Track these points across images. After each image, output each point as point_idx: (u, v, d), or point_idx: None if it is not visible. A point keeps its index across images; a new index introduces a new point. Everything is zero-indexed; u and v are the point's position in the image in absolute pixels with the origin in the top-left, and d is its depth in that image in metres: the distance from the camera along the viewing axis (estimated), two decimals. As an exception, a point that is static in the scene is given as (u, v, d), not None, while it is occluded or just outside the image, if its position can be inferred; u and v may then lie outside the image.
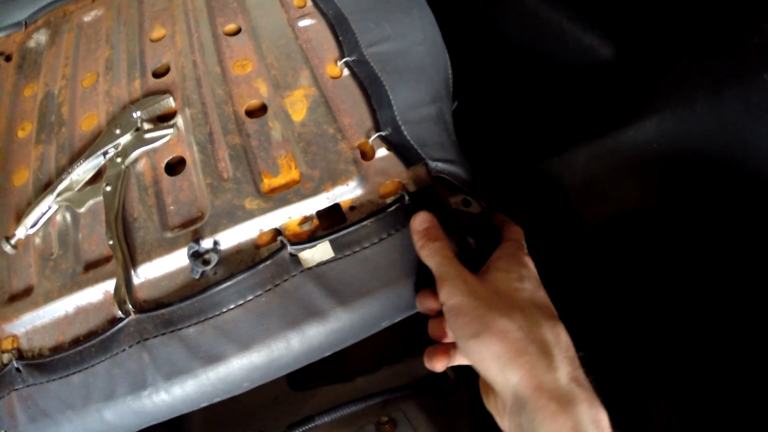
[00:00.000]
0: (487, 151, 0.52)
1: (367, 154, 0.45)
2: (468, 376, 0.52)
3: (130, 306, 0.40)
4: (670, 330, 0.40)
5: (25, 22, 0.61)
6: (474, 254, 0.41)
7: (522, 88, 0.53)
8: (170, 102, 0.47)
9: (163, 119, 0.48)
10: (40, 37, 0.58)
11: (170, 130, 0.46)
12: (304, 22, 0.52)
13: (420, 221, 0.40)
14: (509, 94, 0.54)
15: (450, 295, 0.35)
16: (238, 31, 0.52)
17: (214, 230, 0.41)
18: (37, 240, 0.46)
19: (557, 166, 0.47)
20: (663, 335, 0.40)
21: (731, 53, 0.35)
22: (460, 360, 0.40)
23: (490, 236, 0.42)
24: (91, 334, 0.42)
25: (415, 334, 0.56)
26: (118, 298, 0.41)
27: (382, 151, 0.45)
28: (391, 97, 0.47)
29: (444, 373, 0.53)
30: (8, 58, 0.59)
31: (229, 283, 0.39)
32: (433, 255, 0.38)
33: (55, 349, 0.42)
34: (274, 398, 0.52)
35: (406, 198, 0.42)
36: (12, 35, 0.62)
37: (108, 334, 0.40)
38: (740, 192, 0.36)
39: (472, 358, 0.34)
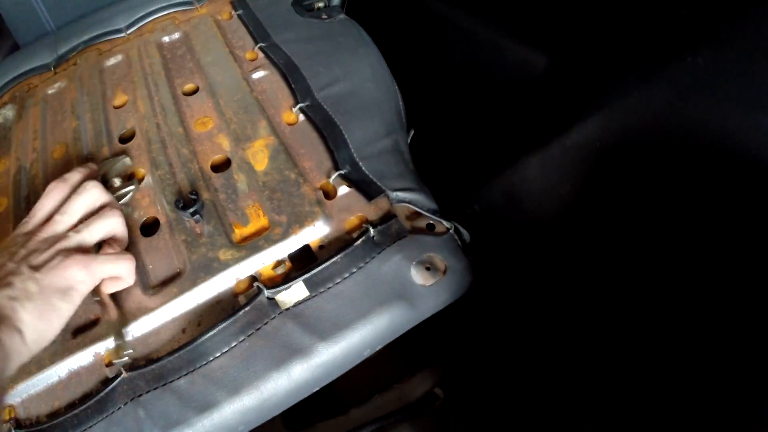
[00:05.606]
0: (447, 173, 0.55)
1: (330, 194, 0.48)
2: (459, 397, 0.55)
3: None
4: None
5: (-9, 99, 0.62)
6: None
7: (470, 108, 0.56)
8: (127, 161, 0.49)
9: (130, 179, 0.50)
10: (7, 113, 0.60)
11: (131, 187, 0.48)
12: (257, 74, 0.55)
13: None
14: (460, 116, 0.57)
15: None
16: (196, 91, 0.55)
17: (194, 284, 0.44)
18: (25, 312, 0.48)
19: (511, 178, 0.48)
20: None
21: (657, 35, 0.34)
22: None
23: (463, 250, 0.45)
24: (85, 397, 0.43)
25: (402, 360, 0.59)
26: (108, 359, 0.43)
27: (343, 189, 0.48)
28: (346, 136, 0.50)
29: (434, 394, 0.56)
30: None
31: (212, 333, 0.41)
32: None
33: (53, 415, 0.43)
34: (271, 441, 0.54)
35: (371, 230, 0.45)
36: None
37: (102, 394, 0.42)
38: (684, 179, 0.35)
39: None
